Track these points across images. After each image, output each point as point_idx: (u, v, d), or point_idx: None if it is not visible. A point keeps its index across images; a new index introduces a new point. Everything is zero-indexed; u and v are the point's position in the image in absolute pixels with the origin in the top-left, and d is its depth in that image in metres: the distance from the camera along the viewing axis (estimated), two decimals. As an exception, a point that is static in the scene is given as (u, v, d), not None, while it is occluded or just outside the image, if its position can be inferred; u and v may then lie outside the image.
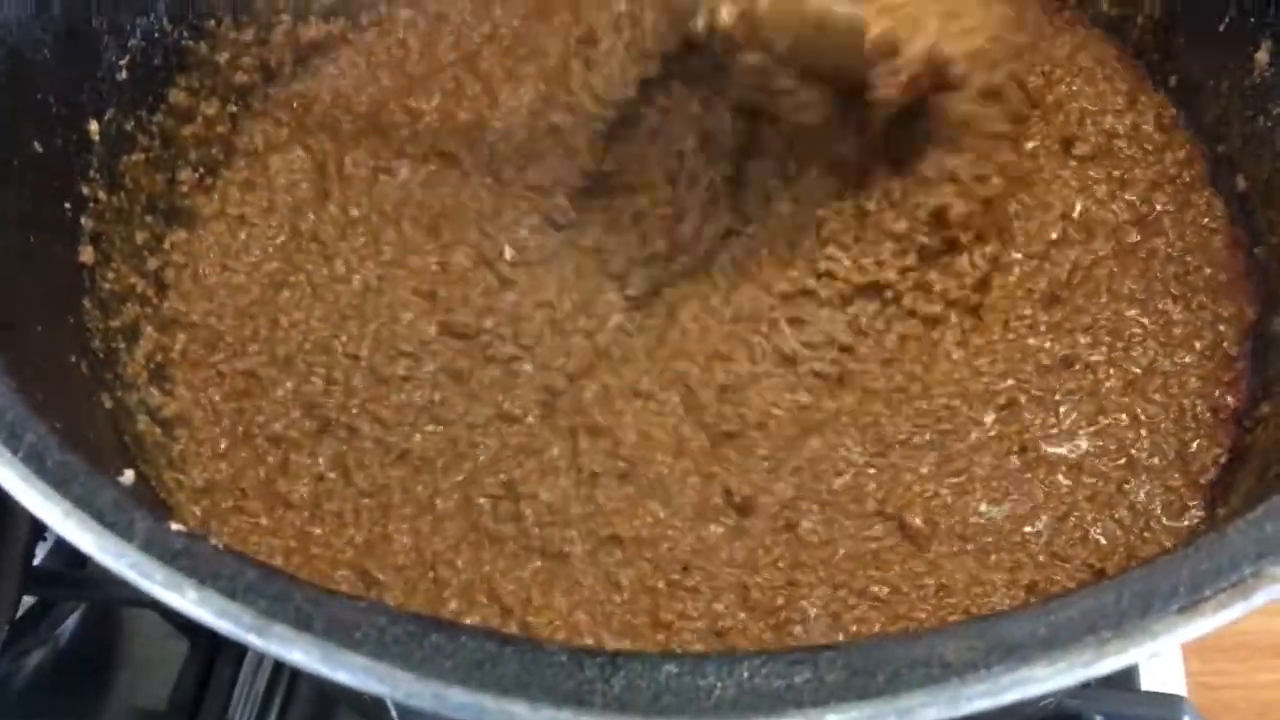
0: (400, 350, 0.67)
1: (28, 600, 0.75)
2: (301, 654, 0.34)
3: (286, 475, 0.63)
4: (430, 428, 0.64)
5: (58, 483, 0.39)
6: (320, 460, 0.64)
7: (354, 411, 0.65)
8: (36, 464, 0.40)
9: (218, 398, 0.66)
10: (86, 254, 0.63)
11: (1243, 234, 0.68)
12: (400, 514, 0.61)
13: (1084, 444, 0.62)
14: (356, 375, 0.66)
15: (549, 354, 0.66)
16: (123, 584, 0.77)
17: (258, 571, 0.38)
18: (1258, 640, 0.81)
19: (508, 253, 0.70)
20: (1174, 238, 0.68)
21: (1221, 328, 0.65)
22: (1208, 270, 0.67)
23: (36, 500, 0.38)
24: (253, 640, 0.35)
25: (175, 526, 0.39)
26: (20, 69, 0.60)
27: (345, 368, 0.67)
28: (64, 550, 0.79)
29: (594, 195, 0.72)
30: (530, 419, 0.64)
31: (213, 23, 0.75)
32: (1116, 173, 0.71)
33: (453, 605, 0.58)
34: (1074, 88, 0.74)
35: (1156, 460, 0.61)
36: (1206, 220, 0.69)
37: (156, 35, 0.71)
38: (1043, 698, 0.51)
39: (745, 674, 0.35)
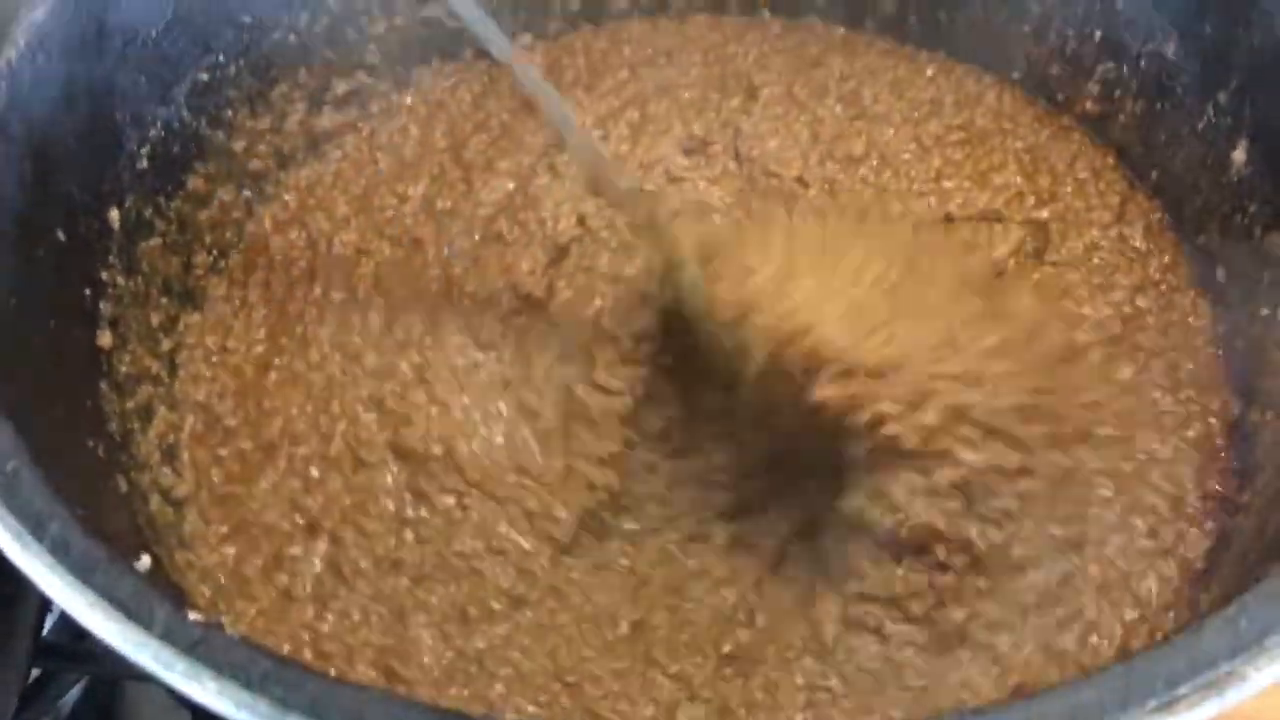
0: (361, 459, 0.68)
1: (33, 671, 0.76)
2: (318, 743, 0.36)
3: (282, 569, 0.64)
4: (413, 543, 0.64)
5: (81, 572, 0.41)
6: (316, 560, 0.64)
7: (336, 516, 0.65)
8: (61, 553, 0.42)
9: (217, 480, 0.68)
10: (105, 338, 0.65)
11: (1225, 329, 0.70)
12: (417, 621, 0.61)
13: None
14: (333, 477, 0.67)
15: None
16: (125, 658, 0.79)
17: (272, 662, 0.39)
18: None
19: (440, 371, 0.71)
20: (1158, 335, 0.71)
21: (1211, 420, 0.68)
22: (1191, 365, 0.69)
23: (60, 589, 0.40)
24: (270, 731, 0.36)
25: (193, 616, 0.41)
26: (47, 162, 0.62)
27: (321, 466, 0.68)
28: (69, 624, 0.80)
29: (526, 322, 0.73)
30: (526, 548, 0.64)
31: (230, 113, 0.77)
32: (1097, 280, 0.73)
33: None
34: (1068, 203, 0.77)
35: (1153, 544, 0.63)
36: (1191, 319, 0.71)
37: (176, 125, 0.73)
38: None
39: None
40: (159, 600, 0.41)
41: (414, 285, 0.75)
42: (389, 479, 0.67)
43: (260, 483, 0.67)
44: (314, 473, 0.68)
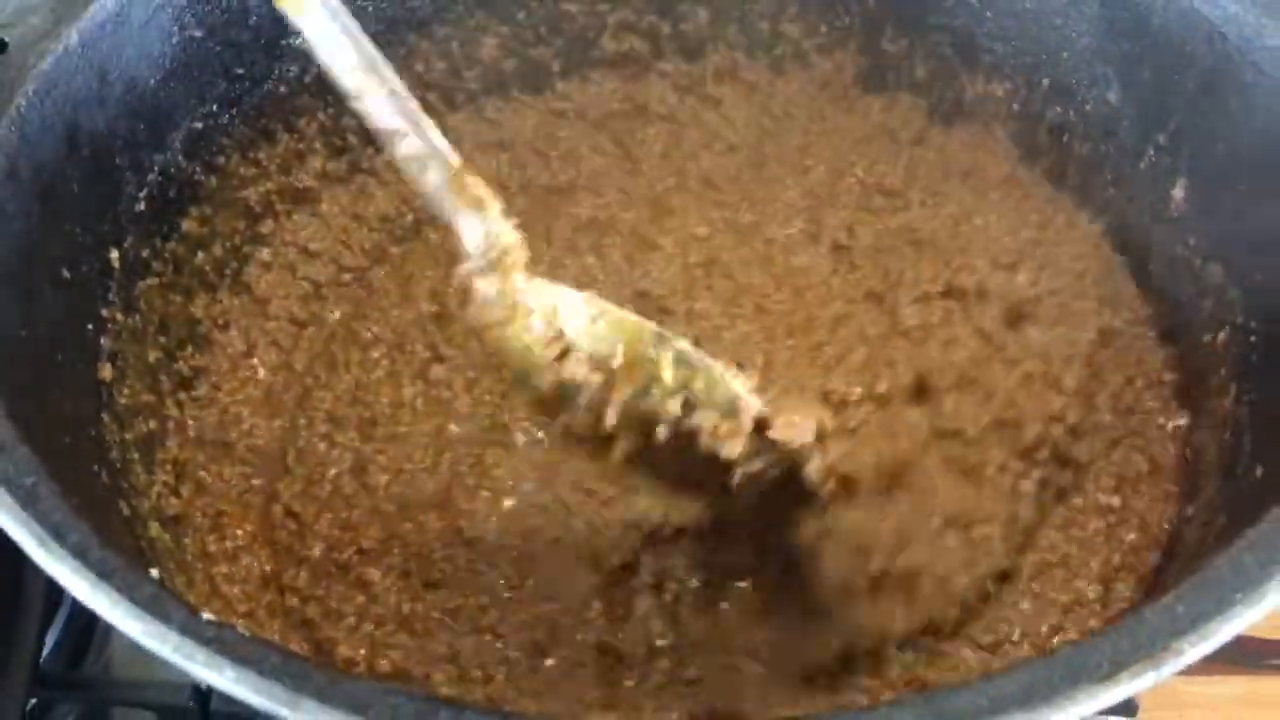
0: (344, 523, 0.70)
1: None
2: (328, 723, 0.39)
3: (286, 602, 0.67)
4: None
5: (102, 575, 0.44)
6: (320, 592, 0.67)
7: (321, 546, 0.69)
8: (82, 559, 0.45)
9: (212, 509, 0.71)
10: (105, 371, 0.68)
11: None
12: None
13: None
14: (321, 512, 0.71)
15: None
16: (119, 686, 0.81)
17: (281, 655, 0.42)
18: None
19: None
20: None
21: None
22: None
23: (86, 590, 0.43)
24: (285, 713, 0.39)
25: (206, 616, 0.44)
26: (53, 203, 0.65)
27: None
28: (63, 653, 0.82)
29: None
30: None
31: (223, 159, 0.81)
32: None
33: None
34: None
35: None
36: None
37: (172, 171, 0.77)
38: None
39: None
40: (173, 602, 0.44)
41: (404, 319, 0.79)
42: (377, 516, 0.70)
43: (243, 528, 0.70)
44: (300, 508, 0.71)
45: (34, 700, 0.79)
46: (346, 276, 0.84)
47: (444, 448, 0.73)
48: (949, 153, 0.89)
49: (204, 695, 0.76)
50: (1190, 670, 0.88)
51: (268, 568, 0.69)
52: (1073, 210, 0.83)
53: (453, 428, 0.74)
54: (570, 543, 0.68)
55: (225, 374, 0.78)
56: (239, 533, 0.71)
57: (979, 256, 0.80)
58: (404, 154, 0.58)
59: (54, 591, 0.80)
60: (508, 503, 0.70)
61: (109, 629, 0.85)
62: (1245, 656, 0.88)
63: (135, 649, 0.86)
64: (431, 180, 0.57)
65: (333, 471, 0.73)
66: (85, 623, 0.83)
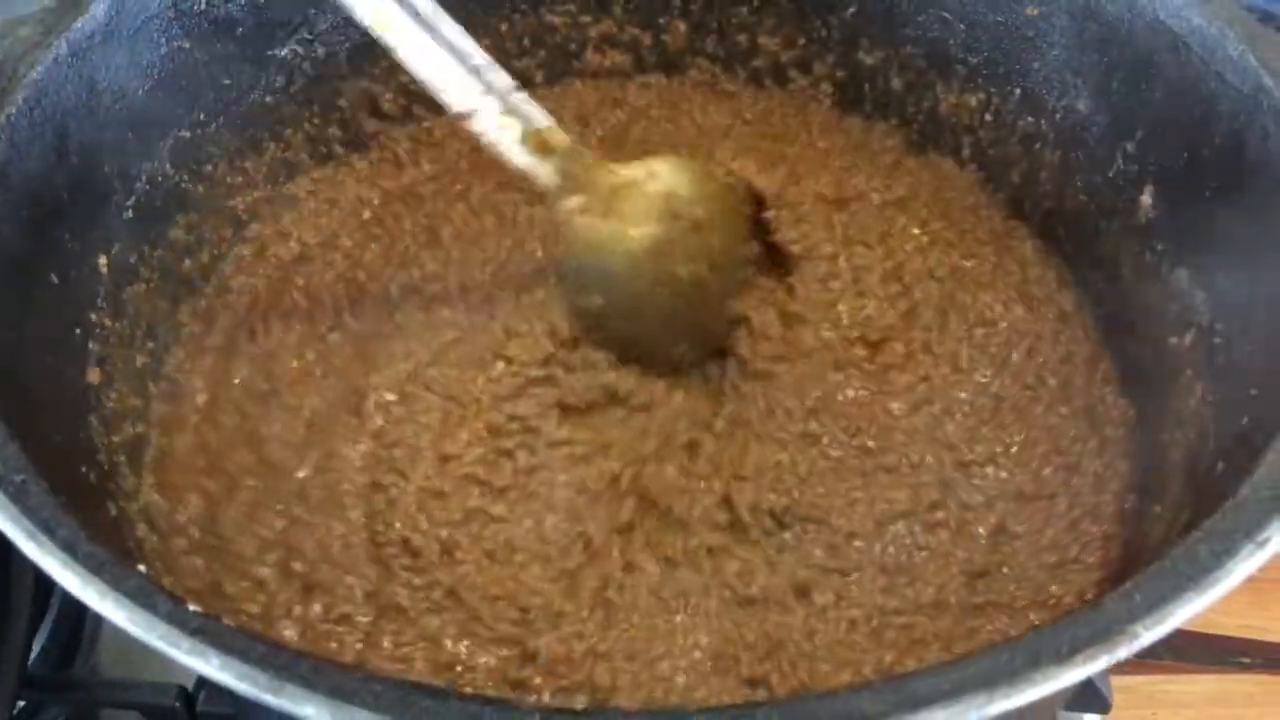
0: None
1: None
2: (312, 709, 0.40)
3: (262, 592, 0.68)
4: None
5: (92, 569, 0.45)
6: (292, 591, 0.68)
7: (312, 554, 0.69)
8: (71, 553, 0.46)
9: (198, 511, 0.71)
10: (93, 375, 0.69)
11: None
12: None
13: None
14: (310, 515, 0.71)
15: None
16: (106, 687, 0.82)
17: (266, 645, 0.43)
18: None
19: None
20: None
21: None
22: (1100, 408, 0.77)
23: (75, 583, 0.44)
24: (269, 699, 0.40)
25: (192, 607, 0.45)
26: (42, 210, 0.67)
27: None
28: (50, 657, 0.83)
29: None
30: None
31: (210, 168, 0.82)
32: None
33: None
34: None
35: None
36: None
37: (159, 179, 0.78)
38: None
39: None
40: (160, 595, 0.45)
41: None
42: (360, 517, 0.71)
43: (236, 514, 0.71)
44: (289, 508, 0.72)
45: (22, 703, 0.80)
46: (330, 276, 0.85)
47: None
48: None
49: (190, 696, 0.77)
50: (1162, 670, 0.91)
51: (241, 586, 0.69)
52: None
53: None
54: None
55: (213, 379, 0.78)
56: (225, 539, 0.71)
57: None
58: (479, 129, 0.72)
59: (41, 596, 0.81)
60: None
61: (95, 632, 0.87)
62: (1214, 656, 0.90)
63: (121, 652, 0.88)
64: (507, 141, 0.72)
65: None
66: (72, 626, 0.85)
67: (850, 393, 0.76)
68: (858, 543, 0.70)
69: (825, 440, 0.73)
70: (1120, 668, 0.86)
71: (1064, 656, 0.41)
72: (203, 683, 0.79)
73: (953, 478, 0.73)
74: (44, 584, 0.77)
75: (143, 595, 0.44)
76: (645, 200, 0.74)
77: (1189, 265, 0.73)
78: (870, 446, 0.73)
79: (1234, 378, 0.65)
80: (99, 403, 0.69)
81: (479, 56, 0.73)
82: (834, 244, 0.82)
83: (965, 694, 0.41)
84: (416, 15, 0.71)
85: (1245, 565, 0.45)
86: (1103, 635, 0.42)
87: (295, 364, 0.78)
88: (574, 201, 0.73)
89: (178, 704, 0.76)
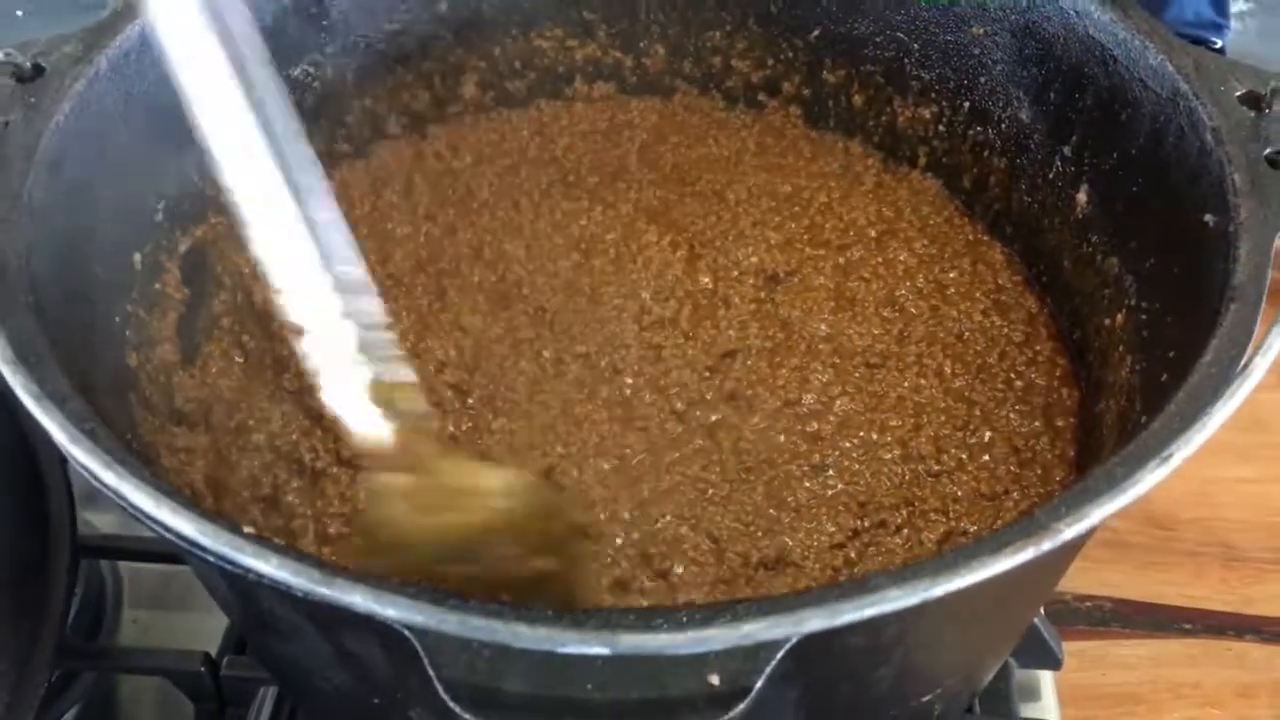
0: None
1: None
2: (359, 597, 0.47)
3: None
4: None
5: (168, 496, 0.52)
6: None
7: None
8: (153, 487, 0.52)
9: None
10: (132, 359, 0.76)
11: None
12: None
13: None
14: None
15: None
16: (136, 654, 0.87)
17: (308, 556, 0.50)
18: (1125, 690, 0.95)
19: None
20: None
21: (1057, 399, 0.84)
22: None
23: (149, 505, 0.51)
24: (322, 591, 0.47)
25: (246, 529, 0.52)
26: (87, 205, 0.74)
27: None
28: (82, 624, 0.89)
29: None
30: None
31: (230, 175, 0.89)
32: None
33: None
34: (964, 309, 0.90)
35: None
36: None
37: (186, 184, 0.85)
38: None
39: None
40: (220, 518, 0.52)
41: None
42: None
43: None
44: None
45: (57, 671, 0.86)
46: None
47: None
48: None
49: (214, 662, 0.83)
50: (1111, 635, 0.98)
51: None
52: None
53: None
54: None
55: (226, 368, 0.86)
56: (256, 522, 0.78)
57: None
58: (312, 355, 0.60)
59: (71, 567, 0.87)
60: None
61: (119, 604, 0.93)
62: (1158, 623, 0.97)
63: (142, 625, 0.93)
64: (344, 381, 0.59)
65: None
66: (98, 598, 0.91)
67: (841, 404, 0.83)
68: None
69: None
70: (1071, 633, 0.94)
71: (998, 549, 0.49)
72: (226, 648, 0.86)
73: (915, 494, 0.78)
74: (77, 556, 0.82)
75: (209, 516, 0.51)
76: (471, 513, 0.59)
77: (1120, 253, 0.81)
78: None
79: (1157, 346, 0.73)
80: (136, 384, 0.76)
81: (354, 267, 0.60)
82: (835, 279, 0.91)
83: (914, 580, 0.48)
84: (288, 182, 0.59)
85: (1152, 476, 0.52)
86: (1029, 530, 0.50)
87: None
88: (399, 481, 0.59)
89: (203, 669, 0.82)
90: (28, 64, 0.74)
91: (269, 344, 0.87)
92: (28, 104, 0.72)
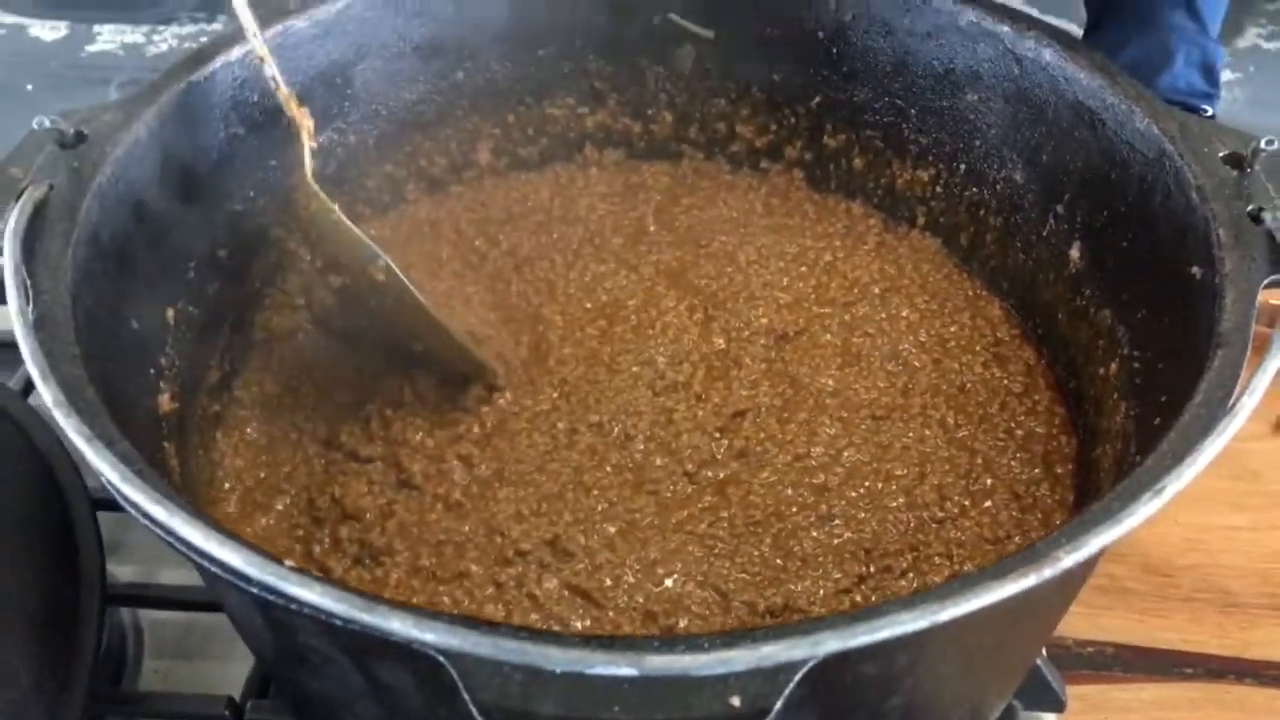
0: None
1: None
2: (398, 624, 0.49)
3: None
4: None
5: (216, 530, 0.54)
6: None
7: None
8: (204, 522, 0.55)
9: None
10: (165, 406, 0.80)
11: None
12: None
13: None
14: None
15: None
16: (161, 699, 0.89)
17: (348, 585, 0.53)
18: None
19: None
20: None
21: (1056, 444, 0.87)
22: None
23: (199, 537, 0.53)
24: (363, 618, 0.50)
25: (288, 563, 0.55)
26: (125, 265, 0.77)
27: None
28: (104, 674, 0.90)
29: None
30: None
31: (257, 236, 0.94)
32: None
33: None
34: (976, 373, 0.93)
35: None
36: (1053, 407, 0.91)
37: (216, 245, 0.89)
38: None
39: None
40: (265, 551, 0.55)
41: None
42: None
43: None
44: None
45: (86, 716, 0.87)
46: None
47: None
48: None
49: (238, 706, 0.85)
50: (1113, 679, 0.99)
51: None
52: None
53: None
54: None
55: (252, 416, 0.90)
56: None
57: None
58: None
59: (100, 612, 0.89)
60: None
61: (140, 654, 0.95)
62: (1159, 667, 0.99)
63: (163, 671, 0.95)
64: None
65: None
66: (119, 648, 0.92)
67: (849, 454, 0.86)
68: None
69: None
70: (1073, 677, 0.96)
71: (1003, 575, 0.51)
72: (249, 692, 0.87)
73: (920, 540, 0.81)
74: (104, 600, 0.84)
75: (255, 548, 0.54)
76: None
77: (1112, 305, 0.85)
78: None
79: (1150, 392, 0.76)
80: (169, 432, 0.79)
81: None
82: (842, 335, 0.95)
83: (922, 605, 0.51)
84: None
85: (1146, 508, 0.55)
86: (1033, 558, 0.53)
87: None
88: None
89: (227, 713, 0.84)
90: (71, 131, 0.78)
91: (294, 397, 0.91)
92: (71, 168, 0.76)
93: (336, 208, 0.81)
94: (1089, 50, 0.88)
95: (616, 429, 0.87)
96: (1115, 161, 0.84)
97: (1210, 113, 1.16)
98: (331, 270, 0.83)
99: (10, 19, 3.08)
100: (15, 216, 0.70)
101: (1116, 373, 0.82)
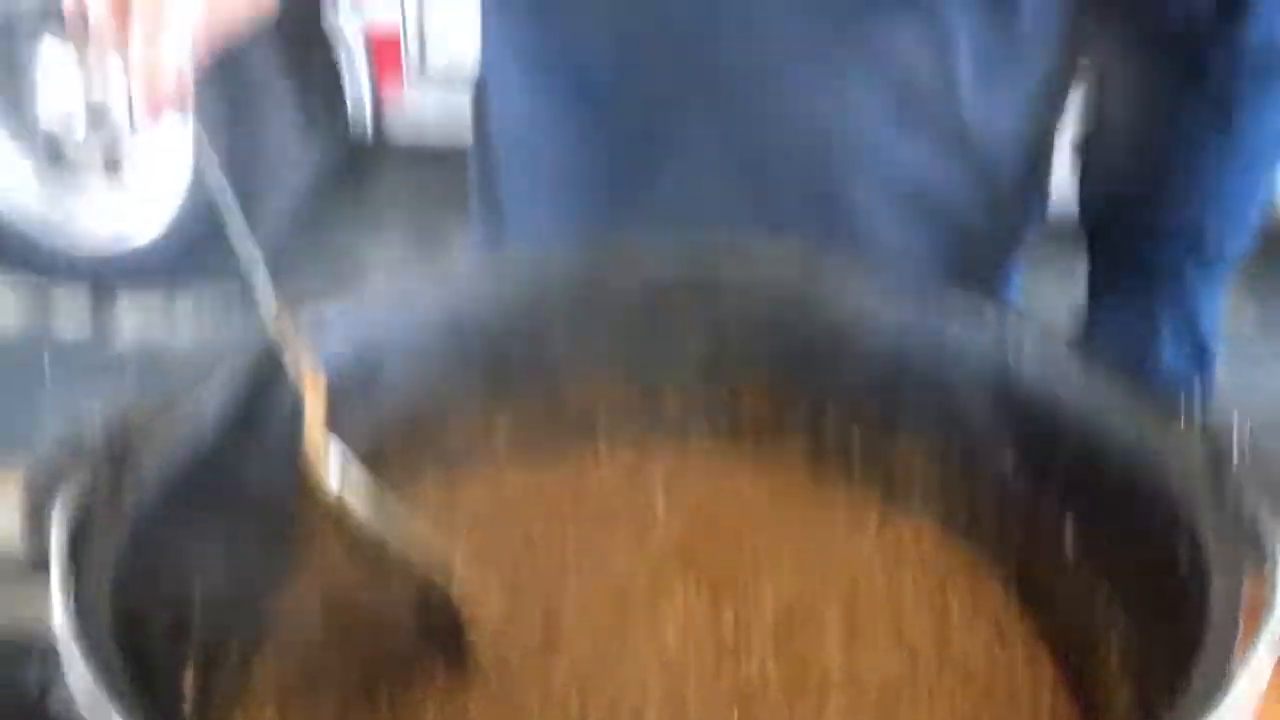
0: None
1: None
2: None
3: None
4: None
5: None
6: None
7: None
8: None
9: None
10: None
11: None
12: None
13: None
14: None
15: None
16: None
17: None
18: None
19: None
20: None
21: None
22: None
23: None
24: None
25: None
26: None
27: None
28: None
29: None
30: None
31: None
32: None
33: None
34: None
35: None
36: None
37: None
38: None
39: None
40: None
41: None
42: None
43: None
44: None
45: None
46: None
47: None
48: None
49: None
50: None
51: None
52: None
53: None
54: None
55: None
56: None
57: None
58: None
59: None
60: None
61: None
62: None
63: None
64: None
65: None
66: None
67: None
68: None
69: None
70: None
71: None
72: None
73: None
74: None
75: None
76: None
77: (1106, 587, 0.88)
78: None
79: (1148, 673, 0.79)
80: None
81: None
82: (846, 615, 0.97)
83: None
84: None
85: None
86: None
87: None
88: None
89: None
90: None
91: (308, 678, 0.92)
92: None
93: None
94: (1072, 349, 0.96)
95: (626, 708, 0.88)
96: (1100, 455, 0.90)
97: (1201, 393, 1.20)
98: (347, 551, 0.87)
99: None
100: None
101: (1116, 652, 0.85)
